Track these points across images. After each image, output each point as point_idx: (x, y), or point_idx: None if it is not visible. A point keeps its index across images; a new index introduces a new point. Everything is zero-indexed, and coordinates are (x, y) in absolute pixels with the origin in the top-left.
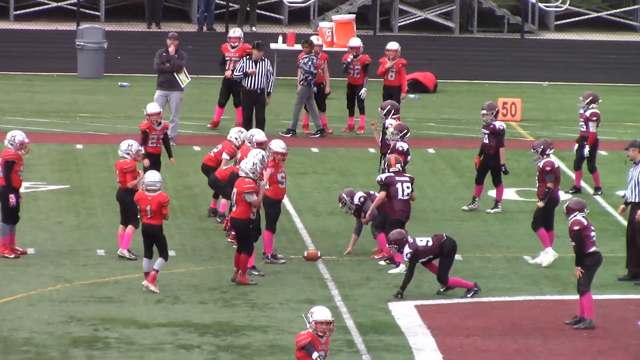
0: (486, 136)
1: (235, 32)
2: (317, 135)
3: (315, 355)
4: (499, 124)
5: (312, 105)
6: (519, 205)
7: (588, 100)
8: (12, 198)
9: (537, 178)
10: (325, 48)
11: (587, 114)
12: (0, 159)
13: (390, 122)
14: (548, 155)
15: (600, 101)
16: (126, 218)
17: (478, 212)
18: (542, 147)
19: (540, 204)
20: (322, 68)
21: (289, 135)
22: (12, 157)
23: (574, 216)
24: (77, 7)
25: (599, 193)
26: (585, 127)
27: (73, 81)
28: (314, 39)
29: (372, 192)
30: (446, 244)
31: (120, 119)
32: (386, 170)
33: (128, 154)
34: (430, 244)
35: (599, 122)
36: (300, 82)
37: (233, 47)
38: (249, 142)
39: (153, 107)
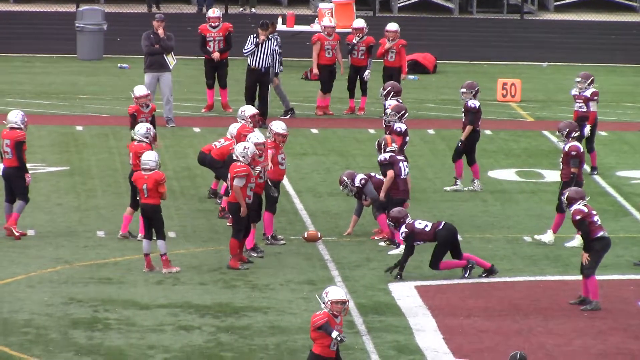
0: (463, 115)
1: (214, 12)
2: (288, 117)
3: (335, 334)
4: (471, 102)
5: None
6: (519, 186)
7: (590, 80)
8: (28, 177)
9: (561, 160)
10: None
11: (588, 93)
12: (9, 140)
13: (390, 103)
14: (573, 138)
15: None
16: (136, 201)
17: (478, 192)
18: (567, 129)
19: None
20: (335, 49)
21: (287, 116)
22: (23, 137)
23: (576, 205)
24: None
25: (595, 173)
26: (585, 107)
27: (73, 63)
28: (326, 20)
29: (372, 174)
30: (440, 233)
31: (120, 100)
32: (382, 152)
33: (147, 137)
34: (427, 229)
35: (598, 101)
36: None
37: (214, 27)
38: (242, 119)
39: (140, 90)
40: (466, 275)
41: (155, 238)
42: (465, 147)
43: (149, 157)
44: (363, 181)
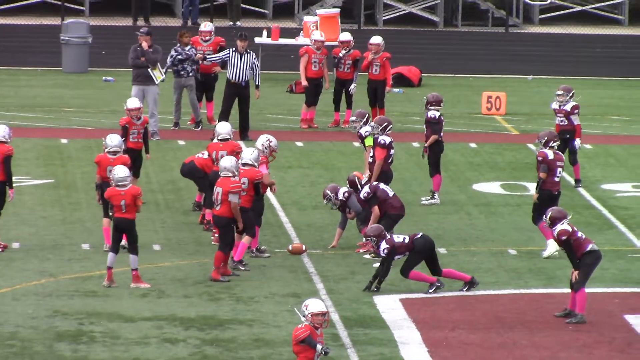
0: (425, 127)
1: (206, 25)
2: (199, 129)
3: (319, 347)
4: (431, 113)
5: (193, 97)
6: (504, 199)
7: (571, 93)
8: (12, 193)
9: (536, 168)
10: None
11: (568, 107)
12: None
13: (367, 130)
14: (551, 147)
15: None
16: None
17: (463, 205)
18: (545, 138)
19: (535, 196)
20: (323, 63)
21: (198, 128)
22: (12, 152)
23: (560, 225)
24: (62, 1)
25: (579, 185)
26: (566, 121)
27: (57, 76)
28: (316, 34)
29: None
30: (417, 242)
31: (104, 113)
32: (360, 187)
33: (121, 147)
34: (406, 241)
35: (579, 114)
36: (180, 72)
37: (205, 41)
38: (230, 136)
39: (133, 103)
40: (430, 292)
41: (127, 252)
42: (435, 158)
43: (124, 174)
44: (346, 194)
